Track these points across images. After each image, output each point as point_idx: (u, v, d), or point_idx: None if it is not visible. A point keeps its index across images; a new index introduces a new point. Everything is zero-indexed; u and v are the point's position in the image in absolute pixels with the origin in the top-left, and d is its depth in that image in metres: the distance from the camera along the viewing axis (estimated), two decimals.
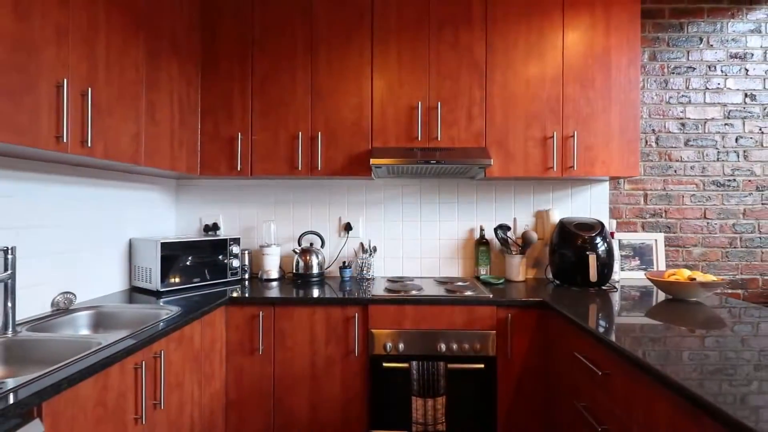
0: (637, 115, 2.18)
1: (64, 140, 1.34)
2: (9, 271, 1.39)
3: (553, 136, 2.18)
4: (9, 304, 1.40)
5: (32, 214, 1.59)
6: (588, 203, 2.53)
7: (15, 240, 1.52)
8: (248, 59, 2.24)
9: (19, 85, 1.19)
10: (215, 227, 2.54)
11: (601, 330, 1.41)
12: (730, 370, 1.05)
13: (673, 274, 1.91)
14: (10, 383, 0.99)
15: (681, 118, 2.54)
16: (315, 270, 2.40)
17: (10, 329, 1.40)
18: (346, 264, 2.45)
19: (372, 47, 2.22)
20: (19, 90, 1.20)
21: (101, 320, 1.72)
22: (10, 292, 1.40)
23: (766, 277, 2.54)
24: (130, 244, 2.15)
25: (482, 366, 1.88)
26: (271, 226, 2.53)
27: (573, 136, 2.17)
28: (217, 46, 2.25)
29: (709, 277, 1.85)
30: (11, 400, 0.91)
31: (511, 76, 2.20)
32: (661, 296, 1.96)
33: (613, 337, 1.33)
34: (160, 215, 2.44)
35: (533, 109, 2.19)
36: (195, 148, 2.23)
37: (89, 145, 1.43)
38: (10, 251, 1.39)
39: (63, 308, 1.69)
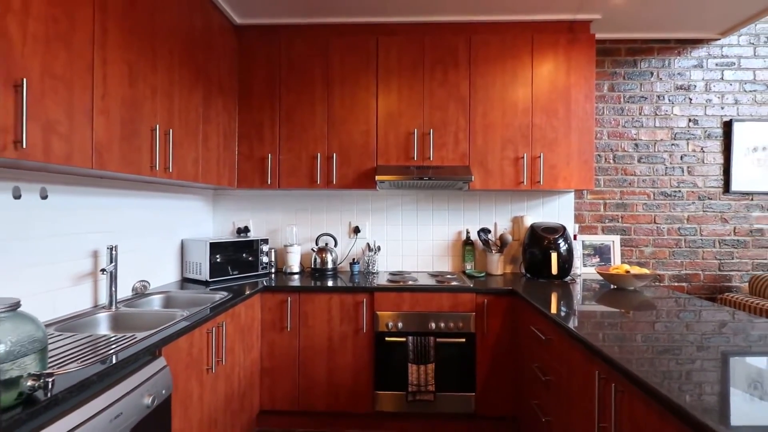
0: (592, 140, 2.68)
1: (156, 168, 1.86)
2: (113, 263, 1.91)
3: (523, 157, 2.68)
4: (113, 288, 1.92)
5: (121, 220, 2.11)
6: (557, 210, 3.03)
7: (114, 240, 2.04)
8: (276, 95, 2.76)
9: (131, 132, 1.71)
10: (246, 230, 3.06)
11: (546, 309, 1.92)
12: (623, 329, 1.56)
13: (616, 269, 2.41)
14: (138, 335, 1.51)
15: (635, 139, 3.04)
16: (329, 265, 2.91)
17: (114, 306, 1.92)
18: (355, 260, 2.96)
19: (377, 84, 2.73)
20: (131, 135, 1.72)
21: (170, 301, 2.23)
22: (113, 279, 1.92)
23: (706, 273, 3.04)
24: (182, 244, 2.67)
25: (464, 340, 2.39)
26: (293, 229, 3.04)
27: (540, 156, 2.68)
28: (251, 84, 2.77)
29: (643, 271, 2.35)
30: (145, 345, 1.42)
31: (489, 107, 2.70)
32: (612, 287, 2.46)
33: (552, 312, 1.84)
34: (202, 220, 2.96)
35: (507, 134, 2.70)
36: (233, 166, 2.75)
37: (170, 170, 1.96)
38: (114, 248, 1.91)
39: (140, 293, 2.21)
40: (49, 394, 0.97)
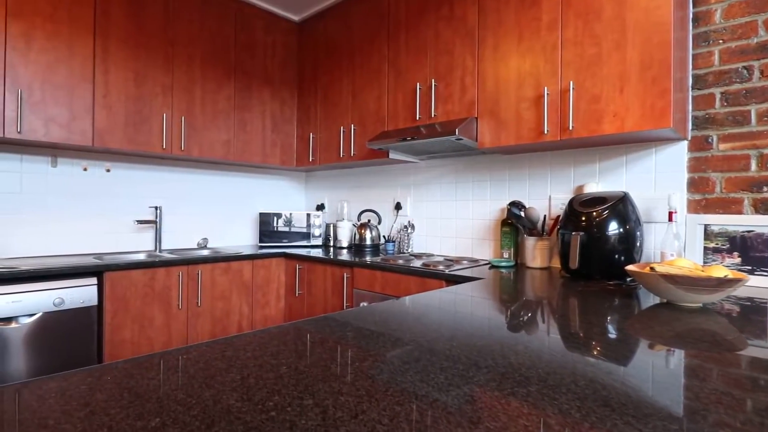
0: (668, 38, 1.51)
1: (164, 147, 2.45)
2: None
3: (544, 93, 1.80)
4: (158, 237, 2.65)
5: (204, 193, 2.85)
6: (652, 173, 1.83)
7: (206, 209, 2.79)
8: (318, 78, 2.94)
9: (139, 120, 2.36)
10: (322, 207, 3.35)
11: None
12: None
13: (671, 263, 1.31)
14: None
15: None
16: (368, 242, 2.81)
17: (158, 251, 2.65)
18: (389, 239, 2.74)
19: (388, 42, 2.47)
20: (139, 123, 2.36)
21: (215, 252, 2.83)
22: (158, 232, 2.65)
23: None
24: (259, 216, 3.25)
25: None
26: (344, 204, 3.11)
27: (569, 87, 1.73)
28: (304, 73, 3.06)
29: (726, 273, 1.19)
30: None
31: (501, 33, 1.95)
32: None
33: None
34: (292, 196, 3.47)
35: (526, 64, 1.88)
36: (291, 147, 3.11)
37: (182, 149, 2.52)
38: (159, 208, 2.64)
39: (202, 246, 2.90)
40: None
